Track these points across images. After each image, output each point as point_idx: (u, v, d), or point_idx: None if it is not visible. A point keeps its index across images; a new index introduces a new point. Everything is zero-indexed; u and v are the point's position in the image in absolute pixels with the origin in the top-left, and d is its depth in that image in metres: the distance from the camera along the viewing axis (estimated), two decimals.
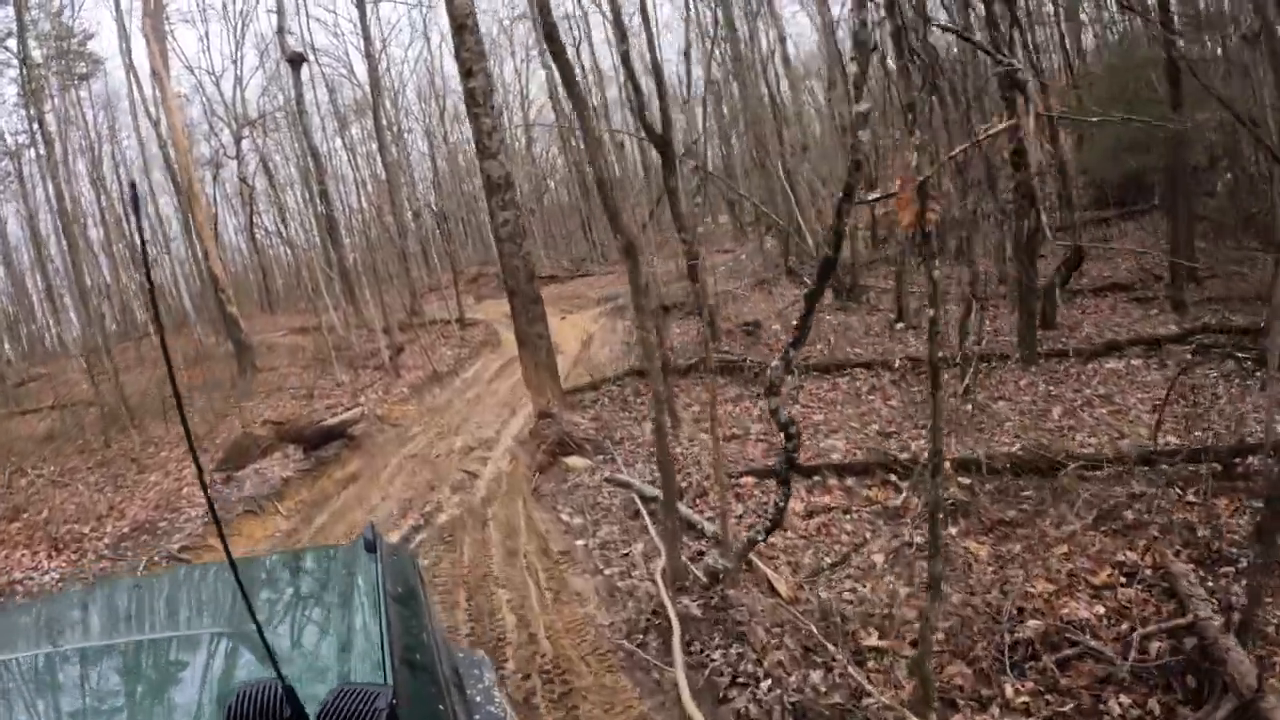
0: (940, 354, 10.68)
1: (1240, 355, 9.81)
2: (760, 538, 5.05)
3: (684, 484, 7.62)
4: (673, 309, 18.84)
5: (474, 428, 12.11)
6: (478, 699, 2.62)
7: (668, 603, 5.23)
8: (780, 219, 19.59)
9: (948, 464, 7.53)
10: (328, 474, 10.70)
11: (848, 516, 7.05)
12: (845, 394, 10.88)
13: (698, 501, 7.21)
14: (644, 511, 6.96)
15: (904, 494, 7.34)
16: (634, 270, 5.60)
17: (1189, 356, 10.60)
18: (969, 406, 9.82)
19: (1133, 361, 10.32)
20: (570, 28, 34.34)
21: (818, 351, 13.13)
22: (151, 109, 26.76)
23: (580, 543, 6.71)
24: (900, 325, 14.59)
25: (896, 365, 11.62)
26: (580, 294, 27.63)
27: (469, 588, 6.34)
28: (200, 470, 1.66)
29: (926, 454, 8.37)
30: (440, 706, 1.85)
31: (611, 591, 5.74)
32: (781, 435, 5.20)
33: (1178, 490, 6.55)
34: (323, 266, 23.40)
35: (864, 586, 5.88)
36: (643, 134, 12.23)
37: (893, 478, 7.71)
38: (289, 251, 31.65)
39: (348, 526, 8.57)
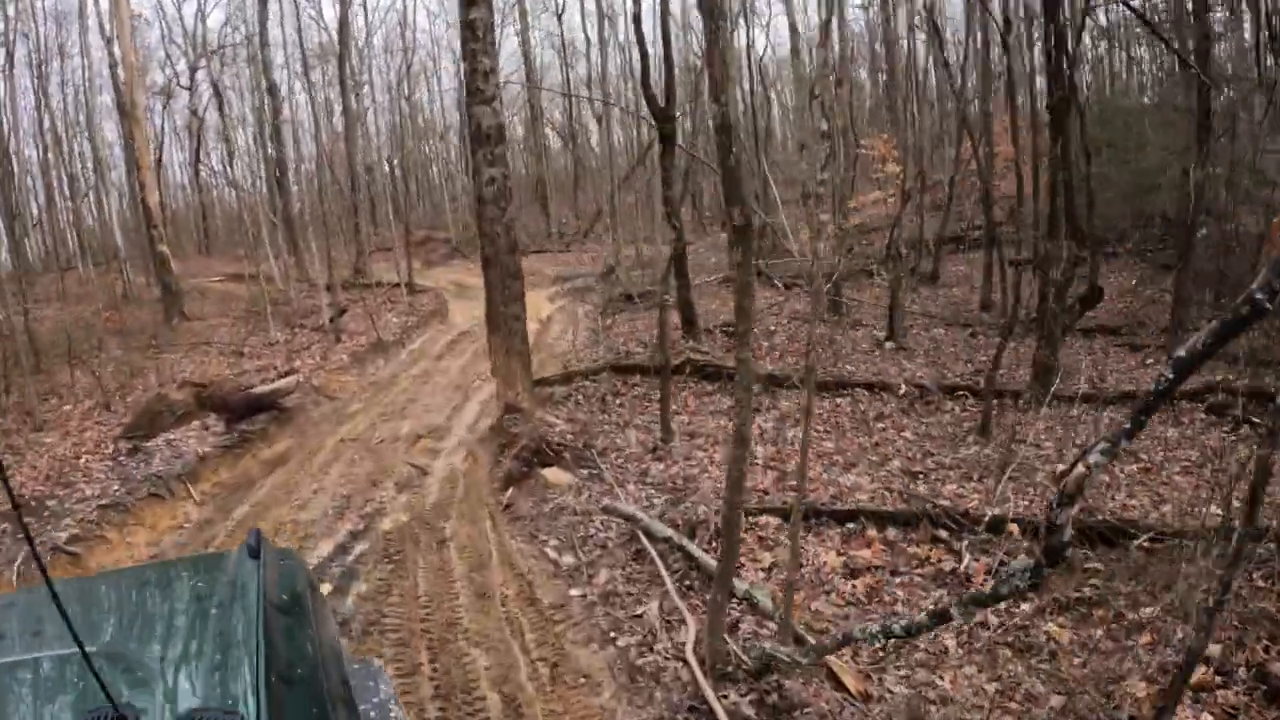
0: (944, 381, 9.34)
1: (1255, 421, 9.09)
2: (858, 637, 3.65)
3: (685, 514, 6.24)
4: (638, 299, 17.43)
5: (421, 411, 10.53)
6: (372, 714, 2.48)
7: (712, 701, 3.84)
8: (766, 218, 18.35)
9: (1013, 527, 6.37)
10: (252, 452, 9.04)
11: (897, 579, 5.77)
12: (851, 418, 9.62)
13: (714, 545, 5.82)
14: (653, 552, 5.53)
15: (964, 558, 6.10)
16: (745, 256, 4.09)
17: (1203, 416, 9.86)
18: (988, 450, 8.71)
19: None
20: None
21: (800, 348, 11.83)
22: (106, 24, 24.25)
23: (576, 592, 5.23)
24: (890, 344, 13.43)
25: (902, 391, 10.41)
26: (535, 270, 25.86)
27: (431, 641, 4.83)
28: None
29: (975, 506, 7.20)
30: None
31: (631, 673, 4.29)
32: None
33: (1245, 572, 5.60)
34: (266, 212, 21.39)
35: (942, 679, 4.63)
36: (643, 111, 10.75)
37: (943, 534, 6.46)
38: (233, 193, 29.29)
39: (273, 525, 6.97)
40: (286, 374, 11.36)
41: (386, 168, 29.12)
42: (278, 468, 8.59)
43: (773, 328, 14.37)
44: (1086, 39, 20.72)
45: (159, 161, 36.44)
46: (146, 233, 19.48)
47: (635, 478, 7.23)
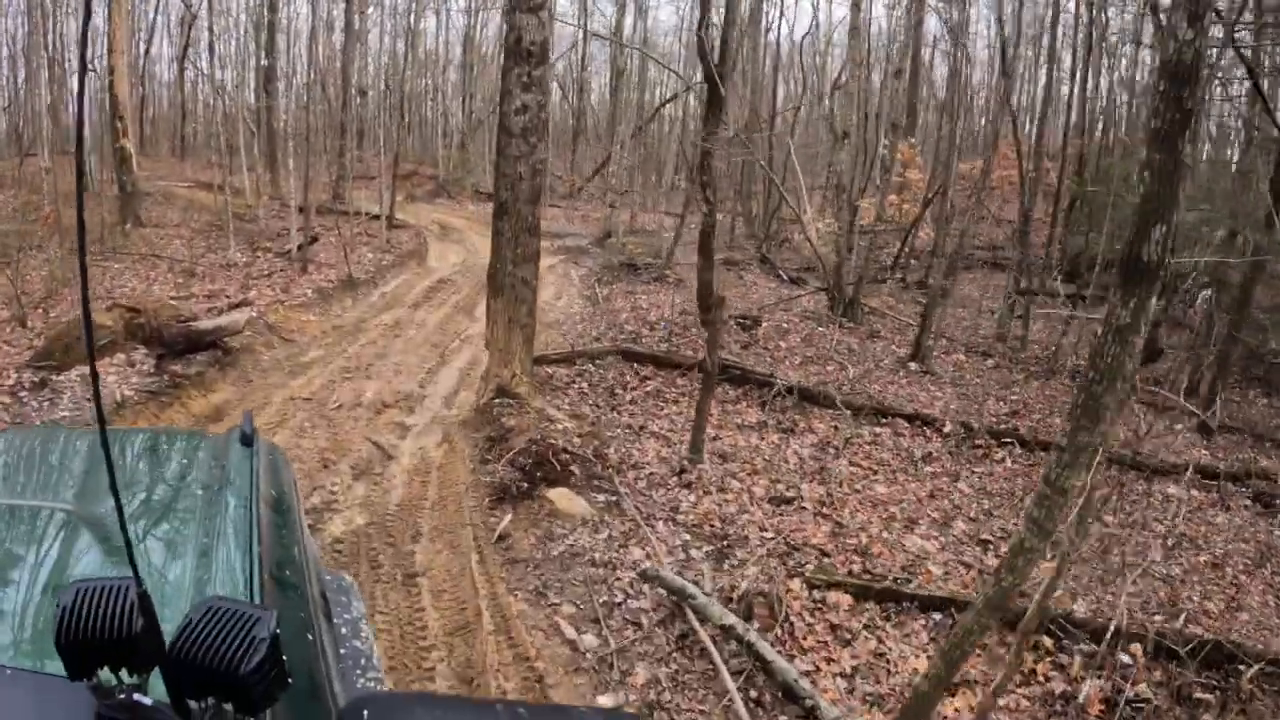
0: (967, 422, 7.79)
1: None
2: None
3: (731, 577, 4.62)
4: (642, 269, 15.68)
5: (390, 371, 8.76)
6: (344, 630, 2.22)
7: None
8: (791, 204, 16.67)
9: (1138, 648, 4.94)
10: (183, 400, 7.22)
11: (1000, 701, 4.21)
12: (895, 454, 8.06)
13: (786, 639, 4.20)
14: (708, 644, 3.90)
15: (1084, 685, 4.63)
16: None
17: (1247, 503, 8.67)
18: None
19: (1193, 492, 8.38)
20: None
21: (840, 376, 10.30)
22: None
23: (607, 701, 3.56)
24: (915, 366, 11.89)
25: (948, 430, 8.86)
26: None
27: None
28: None
29: (1069, 600, 5.68)
30: (309, 636, 1.53)
31: None
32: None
33: None
34: (247, 118, 19.22)
35: None
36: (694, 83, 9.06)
37: (1047, 641, 4.96)
38: (218, 95, 26.71)
39: None
40: (238, 305, 9.53)
41: (383, 85, 26.69)
42: (210, 425, 6.77)
43: (785, 325, 12.74)
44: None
45: (146, 53, 33.93)
46: (112, 123, 17.35)
47: (664, 512, 5.56)
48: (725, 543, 5.23)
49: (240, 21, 27.40)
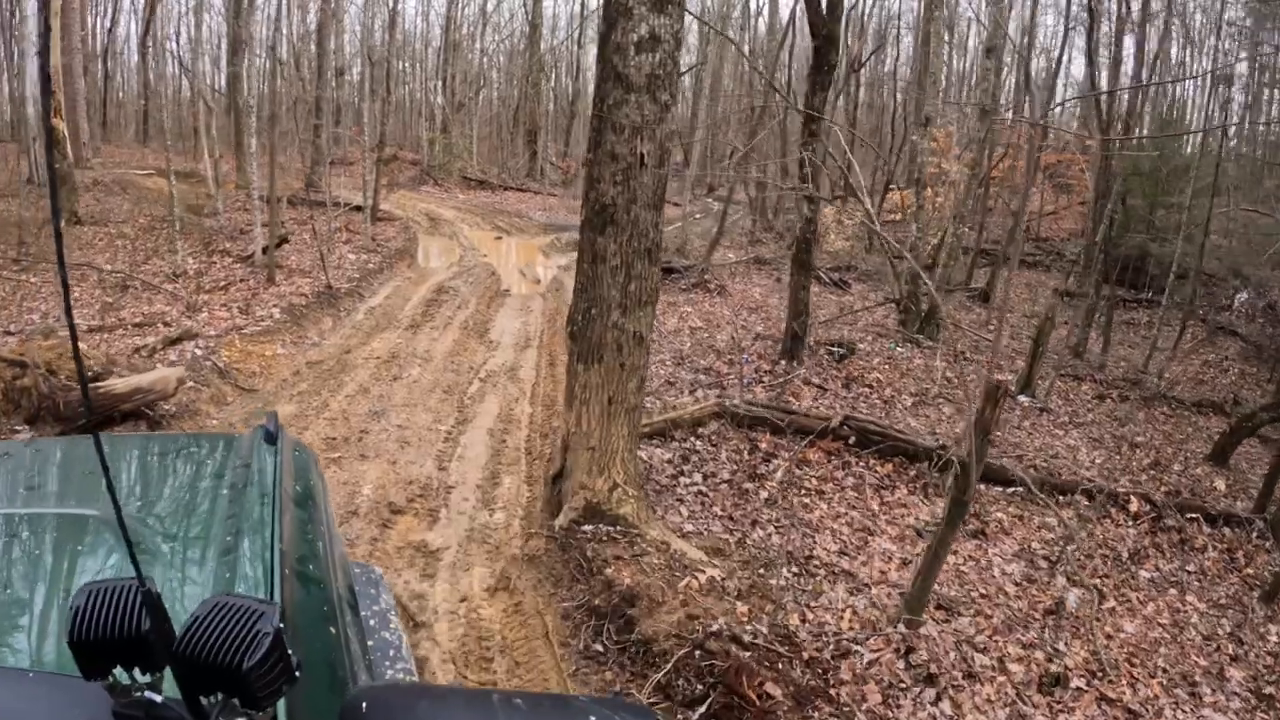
0: (1147, 495, 5.37)
1: None
2: None
3: None
4: (678, 273, 12.94)
5: (394, 441, 5.99)
6: (372, 622, 2.23)
7: None
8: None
9: None
10: None
11: None
12: (1104, 558, 5.53)
13: None
14: None
15: None
16: None
17: None
18: None
19: None
20: None
21: (920, 390, 7.66)
22: None
23: None
24: (1027, 399, 9.32)
25: (1134, 508, 6.29)
26: (519, 211, 21.17)
27: None
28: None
29: None
30: (331, 629, 1.51)
31: None
32: None
33: None
34: (205, 94, 16.15)
35: None
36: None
37: None
38: (182, 72, 23.26)
39: None
40: (175, 340, 6.67)
41: (360, 66, 23.51)
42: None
43: (860, 342, 10.02)
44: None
45: (110, 31, 30.57)
46: (43, 101, 14.43)
47: None
48: None
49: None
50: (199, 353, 6.77)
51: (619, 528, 4.09)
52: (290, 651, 0.93)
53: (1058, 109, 20.03)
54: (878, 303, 12.35)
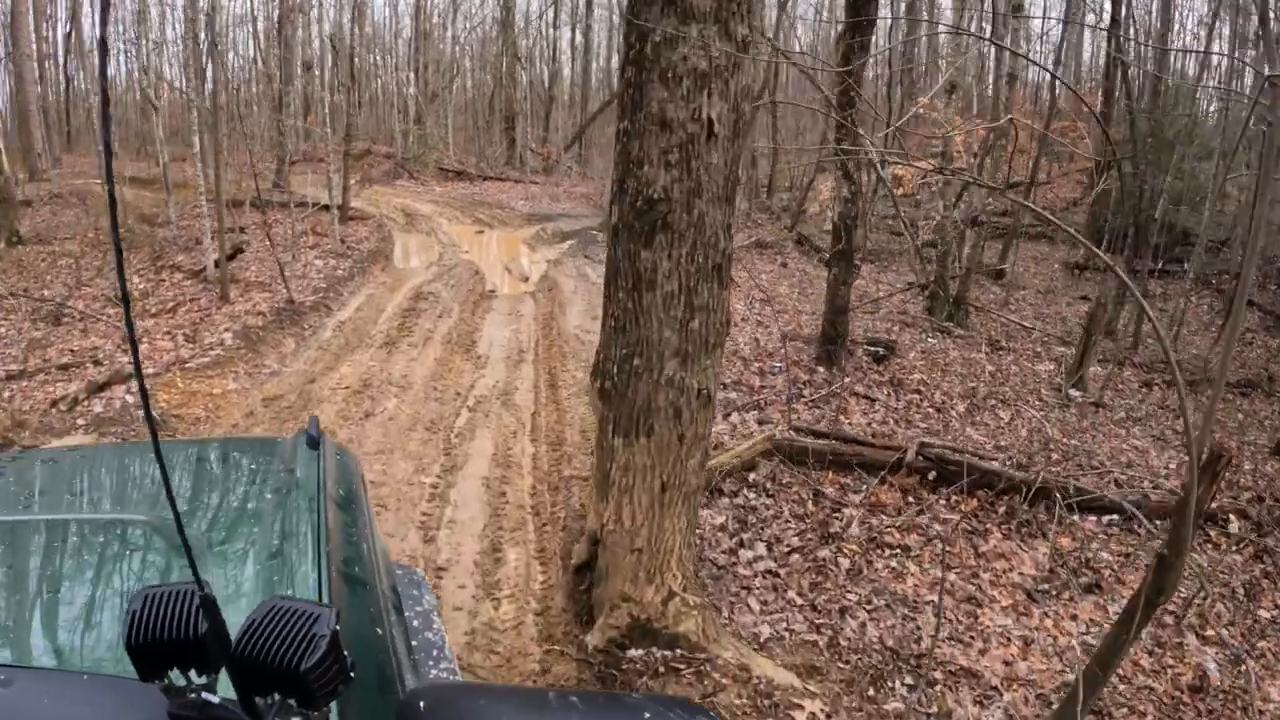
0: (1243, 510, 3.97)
1: None
2: None
3: None
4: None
5: (369, 499, 4.77)
6: (415, 623, 2.18)
7: None
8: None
9: None
10: None
11: None
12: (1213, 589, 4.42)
13: None
14: None
15: None
16: None
17: None
18: None
19: None
20: None
21: (968, 391, 6.68)
22: None
23: None
24: (1076, 394, 8.24)
25: (1233, 530, 5.19)
26: (500, 202, 19.81)
27: None
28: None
29: None
30: (378, 630, 1.51)
31: None
32: None
33: None
34: (150, 95, 14.76)
35: None
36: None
37: None
38: (142, 72, 21.74)
39: None
40: (101, 387, 5.42)
41: (333, 49, 22.03)
42: None
43: (893, 334, 8.88)
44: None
45: (70, 35, 28.84)
46: None
47: None
48: None
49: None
50: (130, 399, 5.54)
51: (679, 651, 2.92)
52: (345, 653, 0.92)
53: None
54: (901, 288, 11.19)
